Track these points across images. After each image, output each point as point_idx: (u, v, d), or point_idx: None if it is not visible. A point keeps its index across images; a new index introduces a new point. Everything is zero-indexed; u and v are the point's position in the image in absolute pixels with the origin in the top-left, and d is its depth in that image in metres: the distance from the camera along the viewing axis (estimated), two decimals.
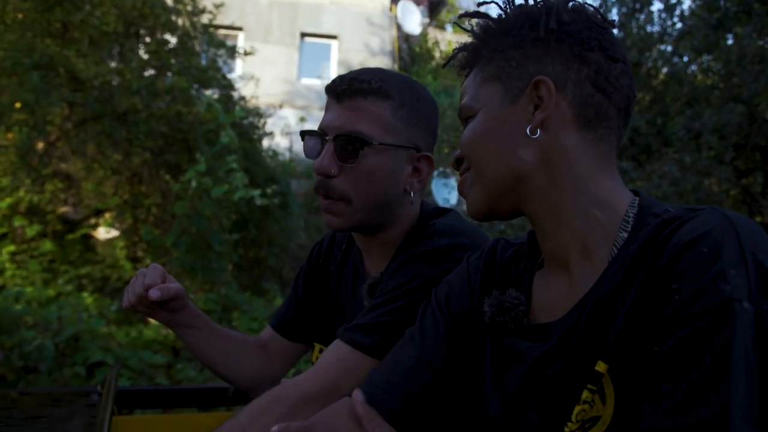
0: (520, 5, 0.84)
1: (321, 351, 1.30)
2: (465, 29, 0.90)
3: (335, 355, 1.02)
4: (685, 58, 6.47)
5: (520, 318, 0.84)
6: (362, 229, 1.15)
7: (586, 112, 0.78)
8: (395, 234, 1.16)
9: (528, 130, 0.77)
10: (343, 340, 1.03)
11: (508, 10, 0.84)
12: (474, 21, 0.88)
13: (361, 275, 1.23)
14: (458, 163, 0.89)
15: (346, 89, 1.08)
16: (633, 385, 0.66)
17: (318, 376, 0.99)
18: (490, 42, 0.83)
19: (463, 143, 0.85)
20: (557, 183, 0.78)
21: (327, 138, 1.09)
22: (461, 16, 0.90)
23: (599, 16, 0.81)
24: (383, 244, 1.18)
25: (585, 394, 0.70)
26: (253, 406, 0.94)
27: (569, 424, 0.71)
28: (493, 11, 0.87)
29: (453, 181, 8.56)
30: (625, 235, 0.75)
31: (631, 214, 0.76)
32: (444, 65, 0.97)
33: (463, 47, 0.89)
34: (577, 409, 0.71)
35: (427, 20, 13.82)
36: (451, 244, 1.07)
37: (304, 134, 1.15)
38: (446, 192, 8.72)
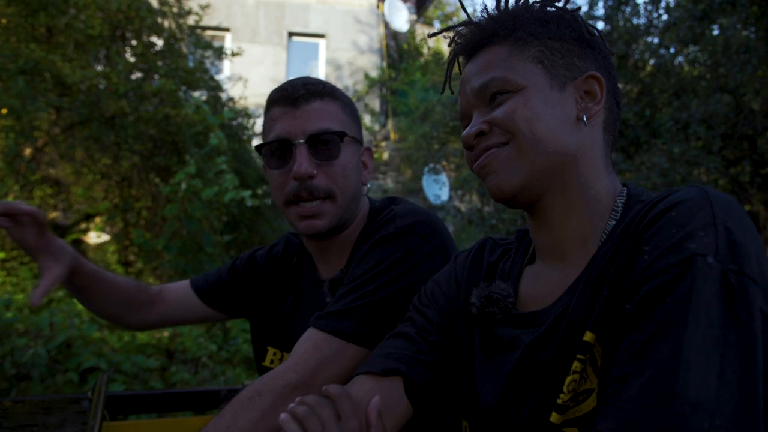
0: (549, 1, 0.88)
1: (274, 354, 1.30)
2: (464, 8, 0.93)
3: (311, 344, 1.01)
4: (672, 50, 6.50)
5: (508, 309, 0.86)
6: (336, 229, 1.16)
7: (610, 117, 0.86)
8: (352, 231, 1.20)
9: (584, 118, 0.82)
10: (317, 328, 1.03)
11: (536, 3, 0.87)
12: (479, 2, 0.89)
13: (317, 281, 1.25)
14: (479, 135, 0.85)
15: (304, 93, 1.11)
16: (614, 348, 0.68)
17: (297, 366, 0.98)
18: (525, 25, 0.84)
19: (512, 116, 0.81)
20: (582, 176, 0.82)
21: (296, 143, 1.10)
22: None
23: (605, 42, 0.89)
24: (341, 245, 1.20)
25: (575, 365, 0.72)
26: (236, 402, 0.94)
27: (561, 395, 0.73)
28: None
29: (443, 177, 8.57)
30: (613, 222, 0.79)
31: (620, 204, 0.81)
32: (439, 33, 0.95)
33: (476, 24, 0.88)
34: (568, 379, 0.73)
35: (414, 17, 13.81)
36: (412, 222, 1.11)
37: (261, 148, 1.15)
38: (437, 188, 8.73)
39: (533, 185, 0.81)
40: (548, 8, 0.87)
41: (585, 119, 0.82)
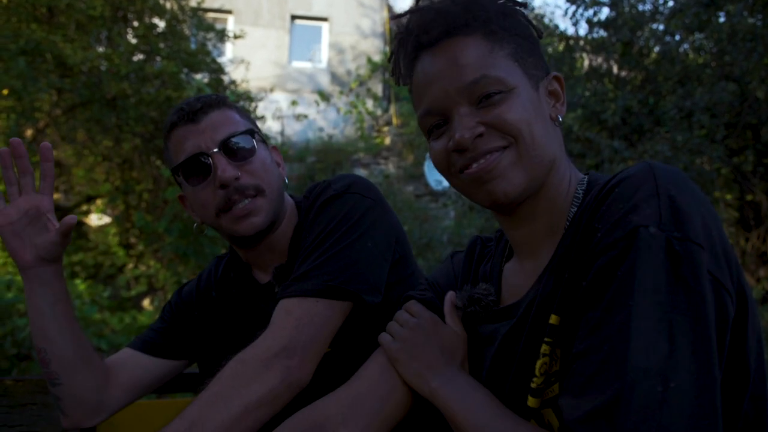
0: None
1: None
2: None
3: (283, 312, 1.02)
4: (677, 37, 6.45)
5: (490, 307, 0.89)
6: (271, 226, 1.16)
7: (562, 110, 0.86)
8: (284, 228, 1.21)
9: (559, 119, 0.83)
10: (285, 296, 1.04)
11: None
12: None
13: (253, 286, 1.25)
14: (478, 136, 0.79)
15: (201, 107, 1.14)
16: (574, 325, 0.70)
17: (274, 333, 0.99)
18: (496, 19, 0.80)
19: (510, 118, 0.78)
20: (558, 173, 0.83)
21: (211, 153, 1.11)
22: None
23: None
24: (276, 244, 1.20)
25: (543, 348, 0.74)
26: (223, 373, 0.95)
27: (534, 379, 0.75)
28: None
29: None
30: (575, 209, 0.81)
31: (581, 191, 0.83)
32: (400, 16, 0.86)
33: (442, 11, 0.81)
34: (539, 363, 0.74)
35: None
36: (348, 183, 1.16)
37: (177, 170, 1.15)
38: (438, 173, 8.71)
39: (531, 188, 0.81)
40: (509, 2, 0.84)
41: (559, 119, 0.84)
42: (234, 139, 1.13)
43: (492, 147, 0.79)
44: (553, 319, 0.73)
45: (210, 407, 0.90)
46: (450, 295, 0.94)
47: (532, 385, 0.75)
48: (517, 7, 0.84)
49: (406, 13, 0.85)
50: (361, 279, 1.05)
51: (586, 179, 0.85)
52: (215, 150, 1.11)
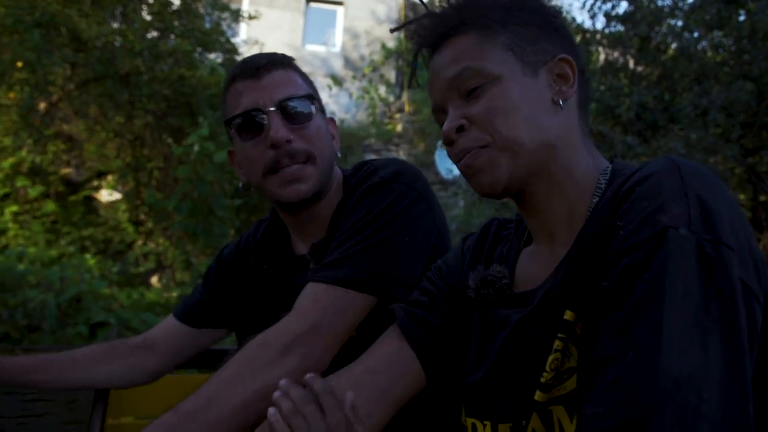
0: None
1: None
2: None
3: (311, 297, 1.02)
4: (696, 34, 6.37)
5: (503, 290, 0.87)
6: (317, 196, 1.15)
7: (583, 94, 0.85)
8: (329, 201, 1.19)
9: (560, 102, 0.81)
10: (314, 280, 1.03)
11: None
12: None
13: (294, 258, 1.25)
14: (459, 130, 0.83)
15: (266, 63, 1.12)
16: (594, 325, 0.68)
17: (299, 318, 0.99)
18: (490, 13, 0.83)
19: (487, 112, 0.80)
20: (566, 158, 0.82)
21: (268, 111, 1.09)
22: None
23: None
24: (318, 216, 1.19)
25: (556, 343, 0.73)
26: (242, 354, 0.95)
27: (544, 374, 0.73)
28: None
29: None
30: (596, 199, 0.80)
31: (603, 180, 0.81)
32: (401, 27, 0.94)
33: (439, 15, 0.86)
34: (551, 358, 0.73)
35: None
36: (395, 171, 1.13)
37: (231, 122, 1.13)
38: (449, 162, 8.68)
39: (518, 178, 0.81)
40: None
41: (561, 103, 0.81)
42: (292, 102, 1.11)
43: (470, 145, 0.81)
44: (568, 314, 0.72)
45: (228, 387, 0.90)
46: (349, 398, 0.78)
47: (542, 380, 0.74)
48: None
49: (413, 21, 0.90)
50: (391, 275, 1.04)
51: (609, 168, 0.83)
52: (272, 108, 1.09)
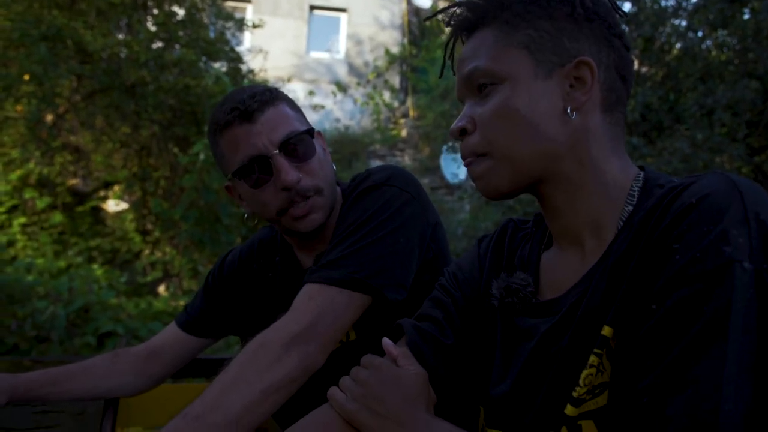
0: None
1: None
2: None
3: (306, 297, 1.03)
4: (700, 33, 6.36)
5: (528, 299, 0.84)
6: (329, 219, 1.18)
7: (611, 97, 0.78)
8: (334, 215, 1.20)
9: (568, 110, 0.76)
10: (311, 281, 1.05)
11: None
12: None
13: (296, 269, 1.27)
14: (462, 133, 0.83)
15: (257, 105, 1.10)
16: (632, 345, 0.66)
17: (295, 318, 1.00)
18: (513, 6, 0.78)
19: (490, 117, 0.78)
20: (582, 165, 0.78)
21: (271, 155, 1.09)
22: None
23: (613, 3, 0.82)
24: (325, 233, 1.20)
25: (592, 359, 0.70)
26: (243, 356, 0.96)
27: (577, 388, 0.71)
28: None
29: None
30: (630, 207, 0.76)
31: (636, 188, 0.77)
32: (434, 15, 0.90)
33: (467, 3, 0.82)
34: (585, 373, 0.70)
35: None
36: (387, 175, 1.15)
37: (237, 174, 1.12)
38: (455, 167, 8.69)
39: (520, 184, 0.79)
40: None
41: (569, 111, 0.76)
42: (293, 140, 1.11)
43: (469, 152, 0.81)
44: (606, 330, 0.69)
45: (231, 390, 0.91)
46: (387, 342, 0.86)
47: (574, 394, 0.71)
48: None
49: (444, 9, 0.87)
50: (386, 275, 1.05)
51: (642, 175, 0.79)
52: (275, 152, 1.09)
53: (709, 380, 0.57)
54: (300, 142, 1.12)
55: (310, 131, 1.16)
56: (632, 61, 0.82)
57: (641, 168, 0.81)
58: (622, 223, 0.75)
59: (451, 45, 0.90)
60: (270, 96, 1.14)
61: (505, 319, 0.87)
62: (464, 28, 0.83)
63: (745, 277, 0.58)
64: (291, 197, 1.11)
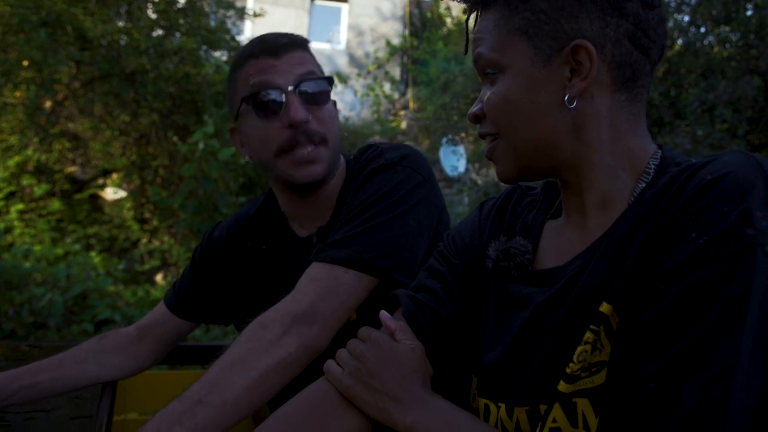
0: None
1: None
2: None
3: (311, 276, 1.01)
4: (702, 29, 6.34)
5: (524, 265, 0.82)
6: (327, 178, 1.15)
7: (623, 73, 0.74)
8: (333, 185, 1.18)
9: (566, 99, 0.73)
10: (316, 260, 1.02)
11: None
12: None
13: (291, 238, 1.23)
14: (476, 119, 0.82)
15: (288, 42, 1.10)
16: (635, 325, 0.64)
17: (298, 298, 0.98)
18: None
19: (491, 107, 0.78)
20: (590, 147, 0.75)
21: (286, 90, 1.08)
22: None
23: None
24: (322, 199, 1.18)
25: (587, 335, 0.68)
26: (242, 337, 0.94)
27: (571, 364, 0.69)
28: None
29: (461, 149, 8.52)
30: (644, 184, 0.73)
31: (653, 165, 0.74)
32: None
33: None
34: (579, 349, 0.69)
35: None
36: (401, 155, 1.13)
37: (247, 99, 1.10)
38: (454, 159, 8.68)
39: (531, 167, 0.79)
40: None
41: (566, 100, 0.73)
42: (311, 82, 1.10)
43: (485, 132, 0.81)
44: (605, 307, 0.67)
45: (230, 371, 0.89)
46: (384, 315, 0.85)
47: (567, 371, 0.69)
48: None
49: None
50: (394, 257, 1.02)
51: (659, 153, 0.76)
52: (290, 88, 1.08)
53: (723, 367, 0.55)
54: (317, 85, 1.11)
55: (330, 79, 1.14)
56: (660, 20, 0.75)
57: (659, 147, 0.78)
58: (633, 199, 0.73)
59: (469, 21, 0.86)
60: (301, 40, 1.14)
61: (498, 285, 0.85)
62: (473, 7, 0.82)
63: (766, 261, 0.56)
64: (296, 136, 1.08)
